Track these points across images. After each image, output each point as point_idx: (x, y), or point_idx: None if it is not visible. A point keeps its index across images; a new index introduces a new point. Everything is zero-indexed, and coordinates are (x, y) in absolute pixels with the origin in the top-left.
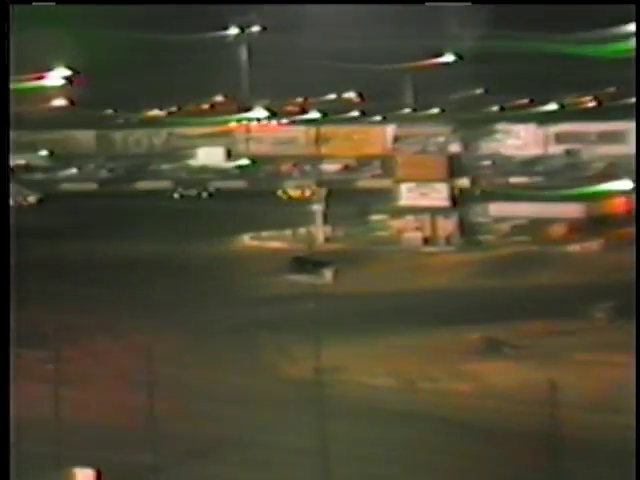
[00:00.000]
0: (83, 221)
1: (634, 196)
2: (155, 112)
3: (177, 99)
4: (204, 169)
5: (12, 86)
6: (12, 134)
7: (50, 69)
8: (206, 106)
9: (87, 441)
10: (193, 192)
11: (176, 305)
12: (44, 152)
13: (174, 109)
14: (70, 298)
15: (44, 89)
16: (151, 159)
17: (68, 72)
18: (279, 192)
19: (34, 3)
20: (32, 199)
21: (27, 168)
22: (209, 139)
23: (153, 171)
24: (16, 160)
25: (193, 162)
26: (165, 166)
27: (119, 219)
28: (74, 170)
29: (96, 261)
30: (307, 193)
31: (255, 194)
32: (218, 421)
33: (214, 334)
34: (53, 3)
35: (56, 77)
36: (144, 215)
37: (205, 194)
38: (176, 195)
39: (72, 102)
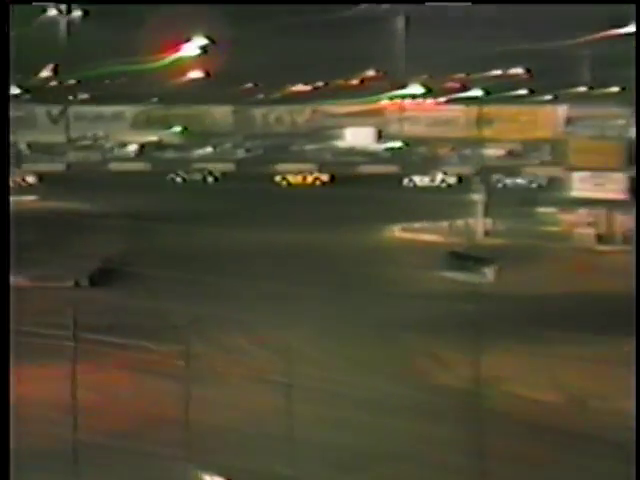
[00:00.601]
0: (217, 205)
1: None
2: (299, 87)
3: (324, 73)
4: (351, 151)
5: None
6: (144, 108)
7: (188, 39)
8: (355, 81)
9: (218, 445)
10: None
11: (317, 300)
12: (177, 128)
13: (320, 84)
14: (201, 288)
15: (180, 61)
16: (293, 139)
17: (205, 41)
18: (277, 178)
19: (34, 3)
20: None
21: (159, 145)
22: (358, 118)
23: (295, 152)
24: (148, 136)
25: (340, 143)
26: (309, 147)
27: (256, 204)
28: (209, 149)
29: (230, 249)
30: (309, 179)
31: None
32: (362, 430)
33: (358, 333)
34: (53, 3)
35: (193, 47)
36: (283, 200)
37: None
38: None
39: (208, 74)
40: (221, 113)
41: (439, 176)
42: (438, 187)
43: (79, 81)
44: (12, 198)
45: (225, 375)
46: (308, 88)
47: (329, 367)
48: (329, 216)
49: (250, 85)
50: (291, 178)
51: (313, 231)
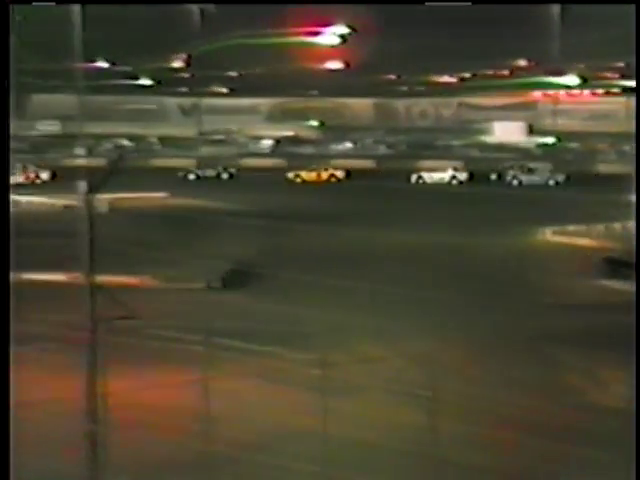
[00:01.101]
0: (354, 205)
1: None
2: (444, 78)
3: (470, 63)
4: (500, 147)
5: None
6: (280, 100)
7: (329, 24)
8: (505, 72)
9: (354, 461)
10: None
11: (459, 308)
12: (314, 122)
13: (467, 75)
14: (336, 293)
15: (317, 46)
16: (438, 134)
17: (345, 30)
18: (289, 175)
19: (34, 3)
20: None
21: (295, 140)
22: (508, 111)
23: (440, 147)
24: (283, 130)
25: (487, 138)
26: (455, 142)
27: (394, 203)
28: (348, 144)
29: (367, 251)
30: (324, 176)
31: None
32: (507, 451)
33: (504, 345)
34: (53, 3)
35: (332, 35)
36: (423, 199)
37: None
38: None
39: (348, 65)
40: (361, 106)
41: (449, 172)
42: (449, 184)
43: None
44: (141, 195)
45: (362, 386)
46: (454, 79)
47: (473, 380)
48: (469, 217)
49: (392, 76)
50: (304, 175)
51: (453, 233)
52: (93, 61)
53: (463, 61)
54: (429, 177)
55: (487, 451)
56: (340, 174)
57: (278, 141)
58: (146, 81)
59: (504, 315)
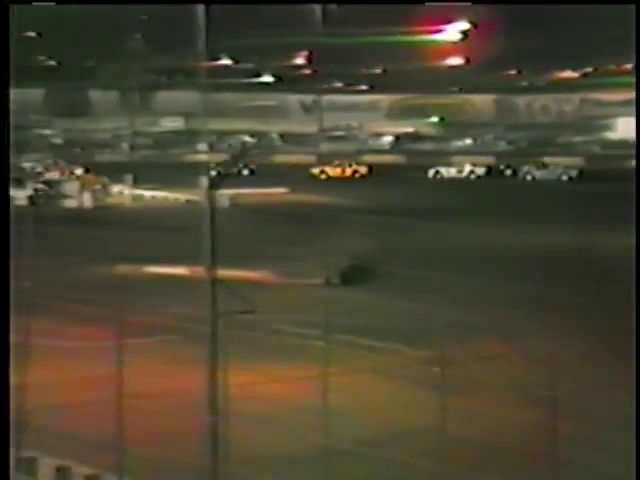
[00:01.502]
0: (472, 202)
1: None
2: (566, 73)
3: (594, 57)
4: (622, 143)
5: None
6: (400, 97)
7: (450, 21)
8: (629, 66)
9: (474, 460)
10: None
11: (584, 308)
12: (435, 119)
13: (589, 69)
14: (456, 290)
15: (438, 42)
16: (560, 130)
17: (467, 26)
18: (314, 170)
19: (34, 3)
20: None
21: (415, 136)
22: (631, 107)
23: (561, 144)
24: (404, 127)
25: (610, 135)
26: (576, 139)
27: (514, 201)
28: (468, 141)
29: (487, 248)
30: (348, 172)
31: None
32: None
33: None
34: (53, 3)
35: (454, 31)
36: (543, 196)
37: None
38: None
39: (468, 60)
40: (482, 102)
41: (467, 167)
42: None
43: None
44: (262, 190)
45: (481, 384)
46: (576, 74)
47: (594, 381)
48: (593, 215)
49: (513, 72)
50: (330, 171)
51: (578, 231)
52: (217, 59)
53: (585, 55)
54: (447, 172)
55: (608, 454)
56: (364, 170)
57: (398, 137)
58: (268, 78)
59: (626, 316)
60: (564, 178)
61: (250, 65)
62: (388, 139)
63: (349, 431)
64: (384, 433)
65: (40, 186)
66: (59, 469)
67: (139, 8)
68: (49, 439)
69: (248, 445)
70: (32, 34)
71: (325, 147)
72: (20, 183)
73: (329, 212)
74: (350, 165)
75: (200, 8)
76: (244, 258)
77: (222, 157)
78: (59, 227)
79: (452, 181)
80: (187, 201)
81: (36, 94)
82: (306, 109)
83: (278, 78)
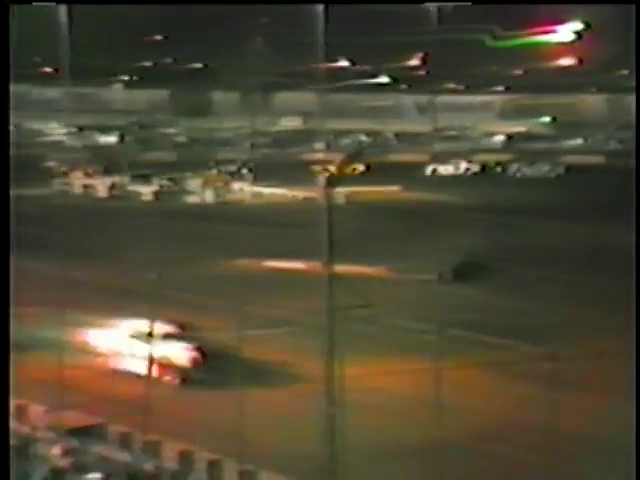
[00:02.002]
0: (584, 201)
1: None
2: None
3: None
4: None
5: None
6: (513, 97)
7: (563, 22)
8: None
9: (586, 456)
10: None
11: None
12: (547, 118)
13: None
14: (568, 288)
15: (550, 44)
16: None
17: (580, 26)
18: (318, 168)
19: (34, 3)
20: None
21: (527, 136)
22: None
23: None
24: (516, 127)
25: None
26: None
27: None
28: (579, 140)
29: (601, 247)
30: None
31: None
32: None
33: None
34: (53, 3)
35: (567, 32)
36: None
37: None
38: None
39: (580, 61)
40: (593, 102)
41: (463, 165)
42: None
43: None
44: (376, 188)
45: (594, 381)
46: None
47: None
48: None
49: (625, 72)
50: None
51: None
52: (335, 61)
53: None
54: (444, 169)
55: None
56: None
57: (510, 137)
58: (384, 79)
59: None
60: (552, 175)
61: (367, 67)
62: (500, 138)
63: (461, 424)
64: (495, 427)
65: (165, 182)
66: (182, 453)
67: (259, 9)
68: (173, 424)
69: (363, 435)
70: (159, 37)
71: (438, 146)
72: (146, 179)
73: (441, 209)
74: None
75: (319, 9)
76: (359, 254)
77: (339, 156)
78: (182, 222)
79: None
80: (305, 198)
81: (162, 94)
82: (420, 109)
83: (394, 79)
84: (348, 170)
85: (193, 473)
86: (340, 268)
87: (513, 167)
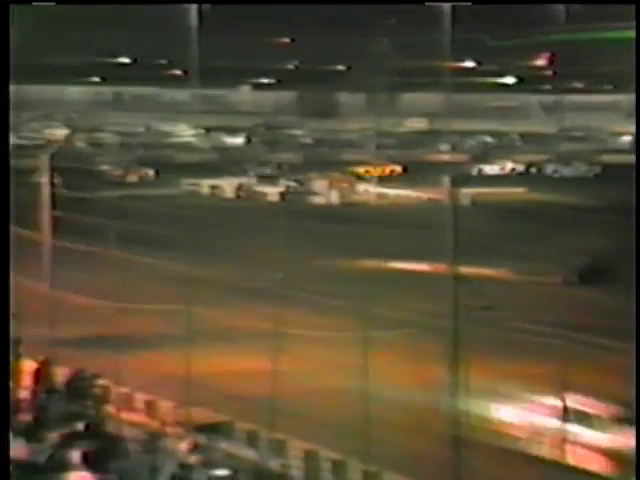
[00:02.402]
0: None
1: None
2: None
3: None
4: None
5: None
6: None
7: None
8: None
9: None
10: None
11: None
12: None
13: None
14: None
15: None
16: None
17: None
18: (361, 170)
19: (34, 3)
20: None
21: None
22: None
23: None
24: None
25: None
26: None
27: None
28: None
29: None
30: (386, 170)
31: None
32: None
33: None
34: (53, 3)
35: None
36: None
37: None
38: None
39: None
40: None
41: (509, 165)
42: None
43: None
44: (501, 189)
45: None
46: None
47: None
48: None
49: None
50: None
51: None
52: (461, 60)
53: None
54: (490, 169)
55: None
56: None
57: None
58: (509, 79)
59: None
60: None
61: (493, 67)
62: (627, 139)
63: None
64: None
65: (292, 184)
66: (308, 452)
67: (385, 9)
68: (299, 422)
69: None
70: (286, 39)
71: (563, 146)
72: (273, 180)
73: (567, 211)
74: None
75: (446, 9)
76: (484, 255)
77: (463, 157)
78: (308, 222)
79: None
80: (429, 199)
81: (288, 96)
82: (546, 109)
83: (520, 79)
84: (385, 171)
85: (318, 473)
86: (465, 270)
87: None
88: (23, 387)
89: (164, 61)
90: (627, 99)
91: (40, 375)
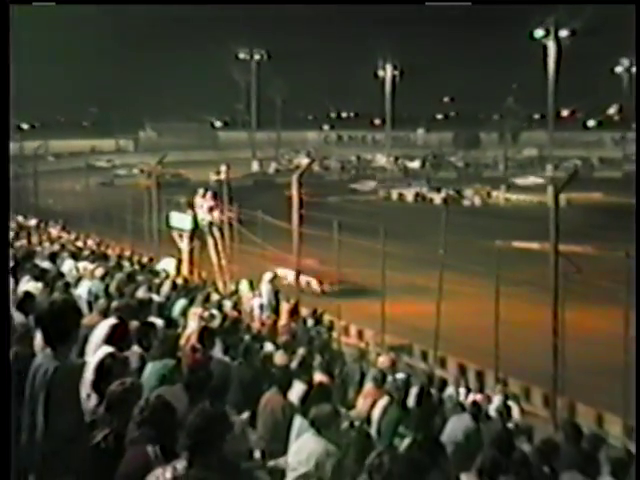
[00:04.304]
0: None
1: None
2: None
3: None
4: None
5: None
6: None
7: None
8: None
9: None
10: None
11: None
12: None
13: None
14: None
15: None
16: None
17: None
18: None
19: (34, 3)
20: None
21: None
22: None
23: None
24: None
25: None
26: None
27: None
28: None
29: None
30: None
31: None
32: None
33: None
34: (53, 3)
35: None
36: None
37: None
38: None
39: None
40: None
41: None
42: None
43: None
44: (582, 194)
45: None
46: None
47: None
48: None
49: None
50: None
51: None
52: (559, 111)
53: None
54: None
55: None
56: None
57: None
58: (592, 122)
59: None
60: None
61: (581, 114)
62: None
63: None
64: None
65: (450, 192)
66: (459, 365)
67: (511, 74)
68: (453, 346)
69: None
70: (447, 98)
71: (627, 167)
72: (438, 190)
73: (629, 207)
74: None
75: (550, 73)
76: (574, 238)
77: (562, 174)
78: (460, 217)
79: None
80: (539, 202)
81: (448, 135)
82: (616, 142)
83: (599, 123)
84: None
85: (466, 379)
86: (562, 247)
87: None
88: (282, 319)
89: (369, 114)
90: None
91: (293, 312)
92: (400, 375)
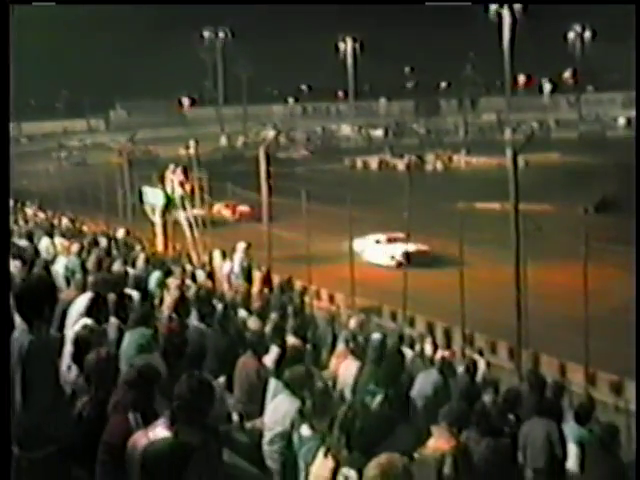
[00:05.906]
0: None
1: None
2: None
3: None
4: None
5: None
6: None
7: None
8: None
9: None
10: None
11: None
12: None
13: None
14: None
15: None
16: None
17: None
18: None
19: (34, 3)
20: None
21: None
22: None
23: None
24: None
25: None
26: None
27: None
28: None
29: None
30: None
31: None
32: None
33: None
34: (53, 3)
35: None
36: None
37: None
38: None
39: None
40: None
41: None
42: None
43: None
44: (540, 155)
45: None
46: None
47: None
48: None
49: None
50: None
51: None
52: (515, 75)
53: None
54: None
55: None
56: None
57: None
58: (548, 86)
59: None
60: None
61: (537, 78)
62: (622, 121)
63: None
64: None
65: (412, 158)
66: (428, 323)
67: (469, 44)
68: (422, 307)
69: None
70: (408, 68)
71: (582, 127)
72: (401, 157)
73: (585, 167)
74: None
75: (505, 47)
76: (533, 197)
77: (519, 137)
78: (423, 181)
79: None
80: (498, 164)
81: (409, 104)
82: (570, 104)
83: (554, 85)
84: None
85: (434, 334)
86: (522, 206)
87: None
88: (255, 287)
89: (331, 86)
90: (621, 96)
91: (265, 279)
92: (376, 335)
